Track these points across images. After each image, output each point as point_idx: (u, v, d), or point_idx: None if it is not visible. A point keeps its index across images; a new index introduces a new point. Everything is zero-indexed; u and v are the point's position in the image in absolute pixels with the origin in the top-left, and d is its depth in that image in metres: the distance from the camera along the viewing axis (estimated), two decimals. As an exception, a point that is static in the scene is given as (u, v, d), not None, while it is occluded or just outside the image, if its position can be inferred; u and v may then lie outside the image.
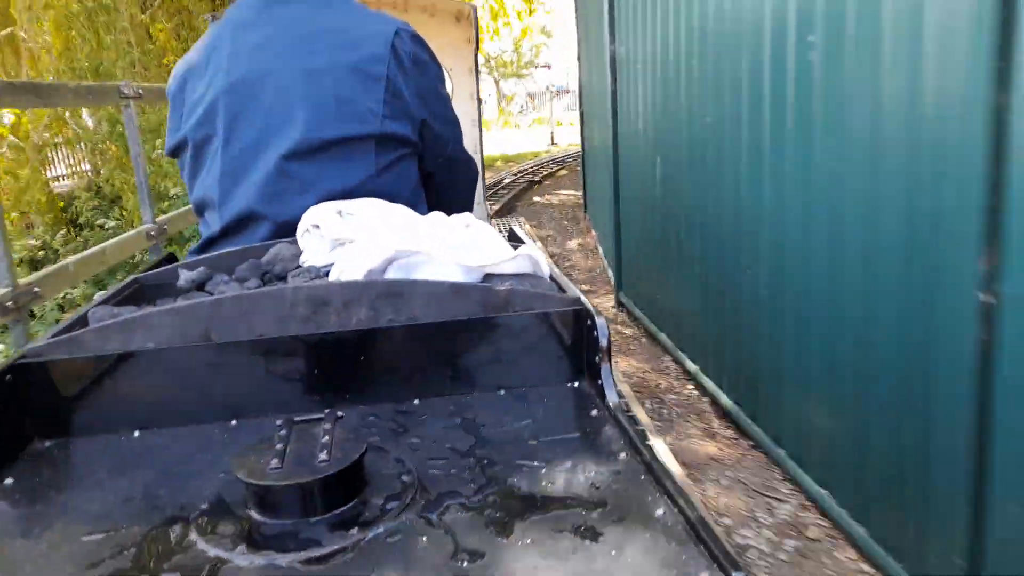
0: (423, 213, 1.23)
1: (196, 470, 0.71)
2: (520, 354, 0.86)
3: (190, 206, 1.30)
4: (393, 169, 1.17)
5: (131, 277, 1.02)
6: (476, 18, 2.72)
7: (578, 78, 7.81)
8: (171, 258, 1.28)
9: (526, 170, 13.06)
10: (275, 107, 1.13)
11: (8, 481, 0.70)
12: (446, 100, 1.30)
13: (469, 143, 2.96)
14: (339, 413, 0.68)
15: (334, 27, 1.19)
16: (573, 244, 7.50)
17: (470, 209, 1.43)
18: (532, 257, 0.88)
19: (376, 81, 1.14)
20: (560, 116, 24.02)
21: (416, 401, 0.83)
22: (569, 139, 18.71)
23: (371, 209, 0.94)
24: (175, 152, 1.24)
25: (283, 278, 0.94)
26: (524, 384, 0.85)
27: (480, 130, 2.77)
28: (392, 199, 1.12)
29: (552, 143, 19.48)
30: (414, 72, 1.19)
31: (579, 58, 7.56)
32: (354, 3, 1.26)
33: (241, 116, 1.15)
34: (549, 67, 32.71)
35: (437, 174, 1.31)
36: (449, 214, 1.34)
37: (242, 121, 1.15)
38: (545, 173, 12.89)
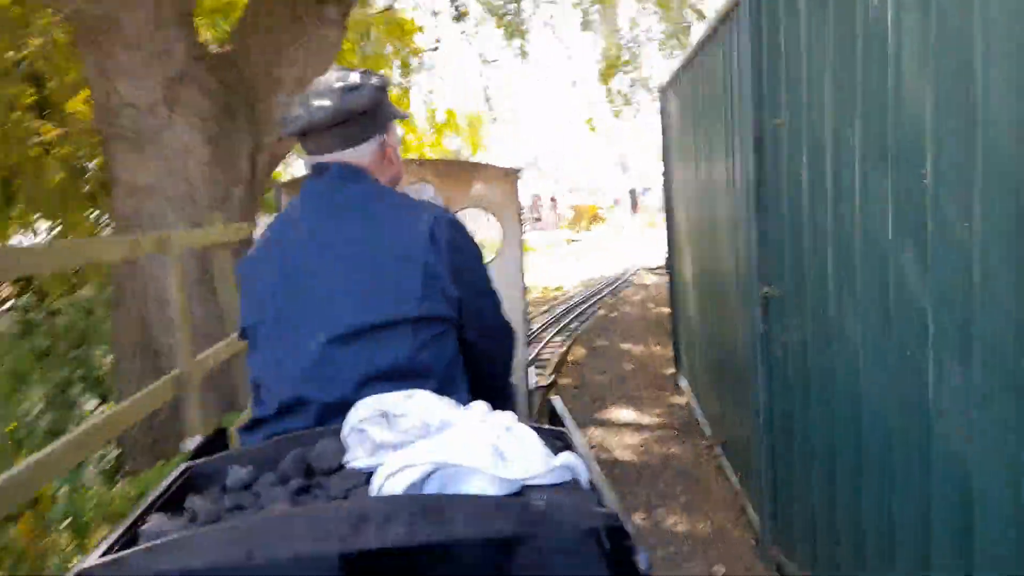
0: (462, 384, 1.27)
1: None
2: (559, 569, 0.83)
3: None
4: (431, 346, 1.21)
5: (184, 466, 1.05)
6: (516, 176, 3.04)
7: (663, 183, 6.07)
8: (221, 433, 1.33)
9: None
10: (321, 295, 1.21)
11: None
12: (482, 276, 1.36)
13: (514, 297, 2.91)
14: None
15: (379, 220, 1.27)
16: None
17: (509, 370, 1.48)
18: (572, 467, 0.86)
19: (414, 266, 1.21)
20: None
21: None
22: (572, 271, 14.74)
23: (416, 408, 0.94)
24: (242, 335, 1.33)
25: (327, 474, 0.95)
26: None
27: (522, 279, 2.94)
28: (430, 373, 1.19)
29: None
30: (450, 255, 1.25)
31: (665, 154, 5.85)
32: (402, 196, 1.35)
33: (290, 305, 1.22)
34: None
35: (475, 343, 1.35)
36: (490, 379, 1.39)
37: (291, 308, 1.22)
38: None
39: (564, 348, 7.60)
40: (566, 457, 0.87)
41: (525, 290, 3.02)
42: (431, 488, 0.84)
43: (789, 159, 2.57)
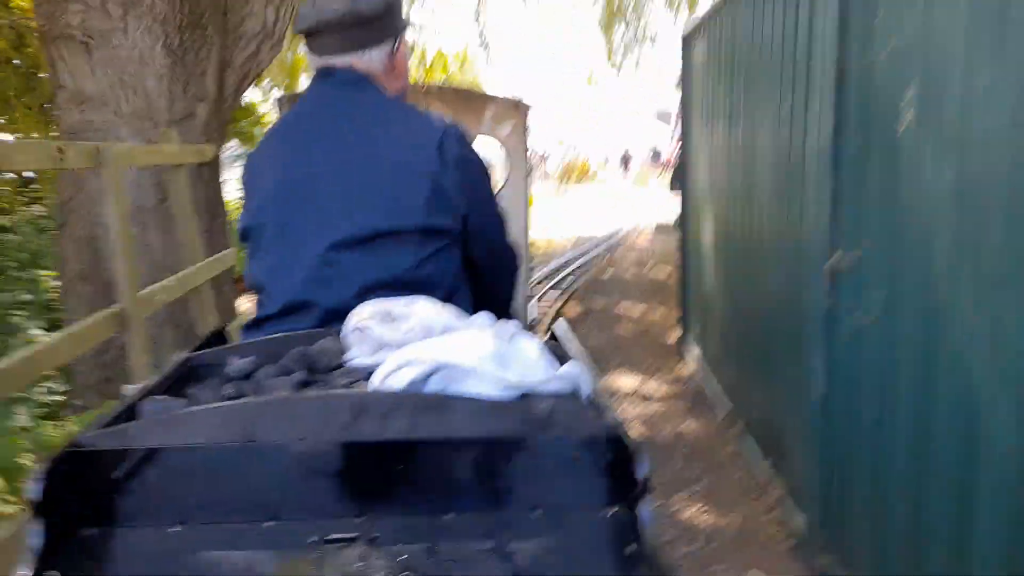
0: (466, 299, 1.40)
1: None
2: (556, 476, 0.95)
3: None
4: (435, 259, 1.35)
5: (183, 355, 1.17)
6: (527, 110, 3.25)
7: (680, 141, 6.25)
8: (220, 334, 1.45)
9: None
10: (326, 200, 1.34)
11: (53, 574, 0.83)
12: (489, 195, 1.50)
13: (518, 231, 3.29)
14: (375, 533, 0.79)
15: (388, 128, 1.39)
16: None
17: (513, 291, 1.63)
18: (573, 377, 0.98)
19: (422, 178, 1.34)
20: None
21: (450, 515, 0.94)
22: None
23: (420, 311, 1.06)
24: (243, 236, 1.45)
25: (328, 372, 1.07)
26: (560, 506, 0.94)
27: (527, 216, 3.22)
28: (434, 286, 1.32)
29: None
30: (458, 170, 1.38)
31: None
32: (409, 106, 1.47)
33: (294, 208, 1.35)
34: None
35: (480, 261, 1.49)
36: (492, 299, 1.52)
37: (295, 212, 1.35)
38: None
39: (559, 304, 7.93)
40: (568, 368, 0.99)
41: (528, 227, 3.27)
42: (432, 387, 0.96)
43: (885, 99, 2.31)
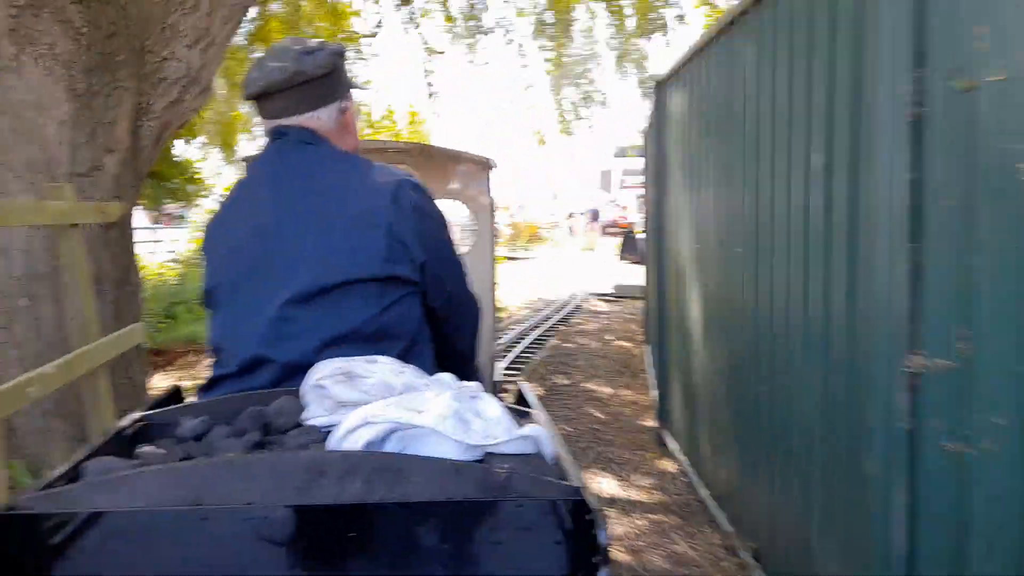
0: (427, 354, 1.58)
1: None
2: (515, 541, 1.07)
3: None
4: (395, 309, 1.53)
5: (136, 415, 1.31)
6: (491, 167, 3.64)
7: (652, 201, 6.42)
8: (177, 392, 1.60)
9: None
10: (282, 257, 1.52)
11: None
12: (446, 242, 1.71)
13: (485, 280, 3.59)
14: None
15: (343, 182, 1.60)
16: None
17: (475, 345, 1.82)
18: (536, 438, 1.13)
19: (378, 228, 1.53)
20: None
21: None
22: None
23: (380, 370, 1.21)
24: (204, 300, 1.66)
25: (284, 432, 1.20)
26: (519, 574, 1.08)
27: (493, 267, 3.54)
28: (395, 337, 1.50)
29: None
30: (414, 219, 1.58)
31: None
32: (363, 160, 1.69)
33: (250, 266, 1.54)
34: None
35: (440, 309, 1.68)
36: (454, 354, 1.72)
37: (251, 271, 1.54)
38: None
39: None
40: (531, 428, 1.14)
41: (495, 285, 3.53)
42: (390, 448, 1.10)
43: (986, 140, 2.00)
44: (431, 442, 1.09)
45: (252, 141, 14.42)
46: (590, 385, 8.31)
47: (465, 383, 1.24)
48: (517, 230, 35.98)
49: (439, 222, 1.70)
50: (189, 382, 7.12)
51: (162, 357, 9.65)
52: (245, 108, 12.40)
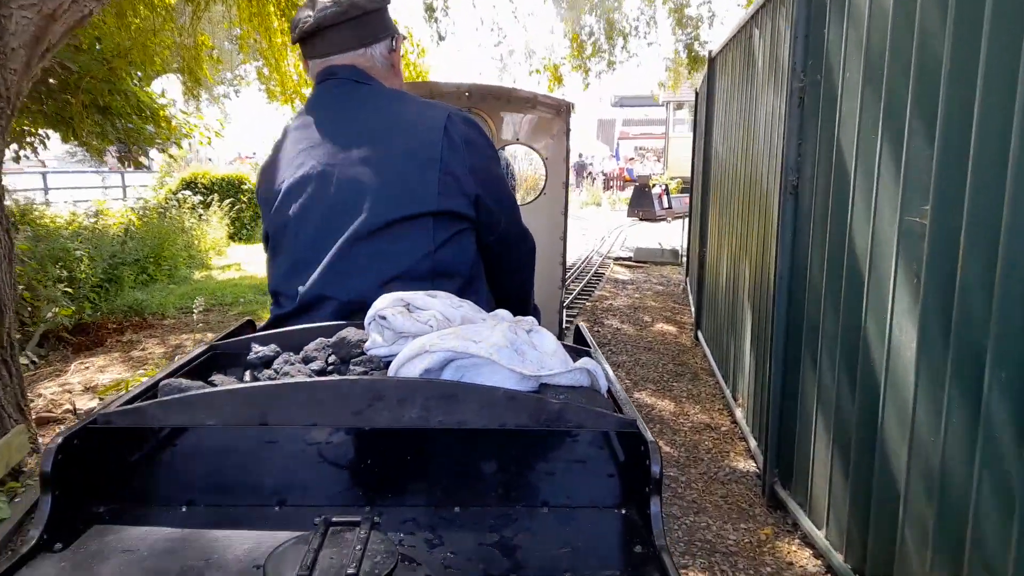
0: (483, 292, 1.60)
1: (232, 558, 0.98)
2: (568, 471, 1.10)
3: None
4: (451, 244, 1.55)
5: (208, 343, 1.38)
6: (570, 112, 3.48)
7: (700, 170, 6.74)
8: (250, 324, 1.65)
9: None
10: (339, 196, 1.55)
11: (58, 546, 1.00)
12: (499, 178, 1.71)
13: (556, 229, 3.60)
14: (376, 518, 0.95)
15: (393, 119, 1.62)
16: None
17: (530, 283, 1.83)
18: (591, 371, 1.14)
19: (431, 163, 1.55)
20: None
21: (457, 509, 1.09)
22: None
23: (438, 304, 1.24)
24: (265, 243, 1.71)
25: (347, 362, 1.25)
26: (569, 504, 1.08)
27: (566, 217, 3.49)
28: (451, 274, 1.52)
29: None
30: (466, 152, 1.60)
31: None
32: (412, 96, 1.70)
33: (309, 207, 1.58)
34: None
35: (493, 247, 1.69)
36: (507, 287, 1.75)
37: (310, 211, 1.57)
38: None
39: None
40: (585, 362, 1.16)
41: (566, 232, 3.51)
42: (447, 376, 1.13)
43: None
44: (487, 371, 1.11)
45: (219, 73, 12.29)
46: (642, 396, 5.92)
47: (521, 317, 1.25)
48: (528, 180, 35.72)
49: (491, 155, 1.70)
50: (128, 374, 6.27)
51: (88, 336, 7.74)
52: (212, 30, 10.47)
